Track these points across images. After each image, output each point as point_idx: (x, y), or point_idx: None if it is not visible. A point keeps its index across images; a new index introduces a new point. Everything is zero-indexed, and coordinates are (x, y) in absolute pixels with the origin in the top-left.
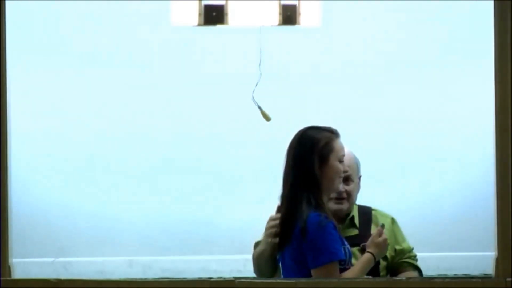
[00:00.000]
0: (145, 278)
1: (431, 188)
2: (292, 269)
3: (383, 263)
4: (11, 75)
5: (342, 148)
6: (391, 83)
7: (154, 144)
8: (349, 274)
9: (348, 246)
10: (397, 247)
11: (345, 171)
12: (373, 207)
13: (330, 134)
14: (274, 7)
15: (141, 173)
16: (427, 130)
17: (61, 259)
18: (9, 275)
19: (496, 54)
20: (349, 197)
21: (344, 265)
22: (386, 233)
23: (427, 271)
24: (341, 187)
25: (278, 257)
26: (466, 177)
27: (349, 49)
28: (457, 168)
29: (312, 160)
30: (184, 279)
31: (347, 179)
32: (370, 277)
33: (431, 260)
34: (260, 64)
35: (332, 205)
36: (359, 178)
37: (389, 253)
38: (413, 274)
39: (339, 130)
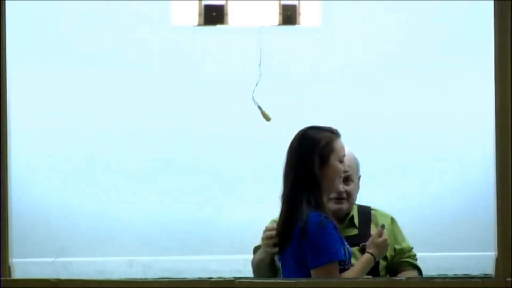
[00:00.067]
0: (145, 278)
1: (431, 188)
2: (292, 269)
3: (383, 263)
4: (11, 75)
5: (343, 148)
6: (391, 83)
7: (154, 144)
8: (349, 274)
9: (348, 246)
10: (397, 247)
11: (345, 171)
12: (372, 207)
13: (331, 134)
14: (274, 7)
15: (141, 173)
16: (427, 130)
17: (61, 259)
18: (9, 275)
19: (496, 54)
20: (349, 197)
21: (344, 265)
22: (385, 233)
23: (427, 271)
24: (341, 187)
25: (278, 257)
26: (466, 177)
27: (349, 49)
28: (457, 168)
29: (313, 160)
30: (184, 279)
31: (347, 179)
32: (370, 277)
33: (431, 260)
34: (260, 64)
35: (332, 205)
36: (359, 178)
37: (388, 253)
38: (413, 273)
39: (339, 130)
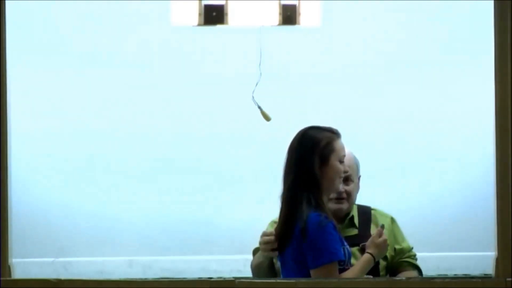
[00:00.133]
0: (145, 278)
1: (431, 188)
2: (292, 269)
3: (383, 263)
4: (11, 75)
5: (343, 149)
6: (391, 83)
7: (154, 144)
8: (348, 274)
9: (348, 246)
10: (397, 247)
11: (345, 172)
12: (372, 207)
13: (331, 134)
14: (274, 7)
15: (141, 173)
16: (427, 130)
17: (61, 259)
18: (9, 275)
19: (496, 54)
20: (349, 197)
21: (344, 265)
22: (385, 233)
23: (427, 271)
24: (341, 187)
25: (278, 258)
26: (466, 177)
27: (349, 49)
28: (457, 168)
29: (313, 160)
30: (184, 279)
31: (347, 179)
32: (370, 276)
33: (431, 260)
34: (260, 64)
35: (332, 205)
36: (359, 178)
37: (388, 253)
38: (413, 273)
39: (339, 130)
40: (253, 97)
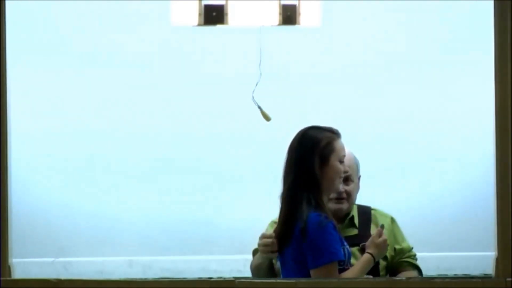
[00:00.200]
0: (145, 278)
1: (431, 188)
2: (292, 269)
3: (382, 263)
4: (11, 75)
5: (343, 149)
6: (391, 83)
7: (154, 144)
8: (348, 274)
9: (348, 246)
10: (397, 247)
11: (345, 172)
12: (372, 207)
13: (331, 134)
14: (274, 7)
15: (141, 173)
16: (427, 130)
17: (61, 259)
18: (9, 275)
19: (496, 54)
20: (349, 197)
21: (343, 265)
22: (385, 233)
23: (427, 271)
24: (341, 187)
25: (278, 258)
26: (466, 177)
27: (349, 49)
28: (457, 168)
29: (313, 160)
30: (184, 279)
31: (347, 179)
32: (370, 276)
33: (431, 260)
34: (260, 64)
35: (332, 205)
36: (359, 178)
37: (388, 253)
38: (413, 273)
39: (339, 130)
40: (253, 97)
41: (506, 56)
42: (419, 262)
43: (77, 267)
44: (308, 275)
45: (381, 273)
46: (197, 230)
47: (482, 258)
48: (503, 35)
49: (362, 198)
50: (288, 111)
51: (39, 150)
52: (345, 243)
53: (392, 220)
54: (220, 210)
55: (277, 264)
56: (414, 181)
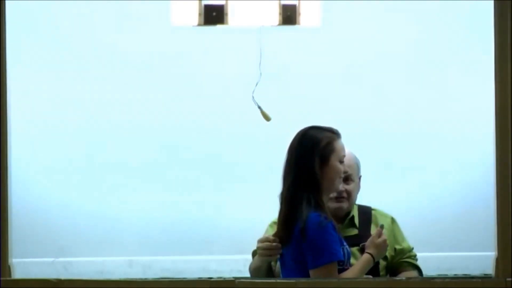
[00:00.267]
0: (145, 278)
1: (431, 188)
2: (292, 269)
3: (383, 263)
4: (11, 75)
5: (343, 149)
6: (391, 83)
7: (153, 144)
8: (348, 274)
9: (347, 246)
10: (397, 247)
11: (345, 172)
12: (373, 207)
13: (332, 134)
14: (274, 7)
15: (141, 173)
16: (427, 130)
17: (61, 259)
18: (9, 275)
19: (496, 54)
20: (349, 196)
21: (343, 265)
22: (385, 233)
23: (427, 271)
24: (341, 186)
25: (278, 258)
26: (466, 177)
27: (349, 49)
28: (457, 168)
29: (313, 160)
30: (184, 279)
31: (347, 179)
32: (370, 276)
33: (431, 260)
34: (260, 64)
35: (332, 204)
36: (359, 178)
37: (389, 253)
38: (413, 273)
39: (340, 130)
40: (253, 97)
41: (506, 56)
42: (419, 262)
43: (77, 267)
44: (308, 275)
45: (381, 273)
46: (197, 230)
47: (482, 258)
48: (503, 35)
49: (362, 198)
50: (288, 111)
51: (39, 150)
52: (345, 243)
53: (393, 220)
54: (220, 210)
55: (276, 267)
56: (414, 181)
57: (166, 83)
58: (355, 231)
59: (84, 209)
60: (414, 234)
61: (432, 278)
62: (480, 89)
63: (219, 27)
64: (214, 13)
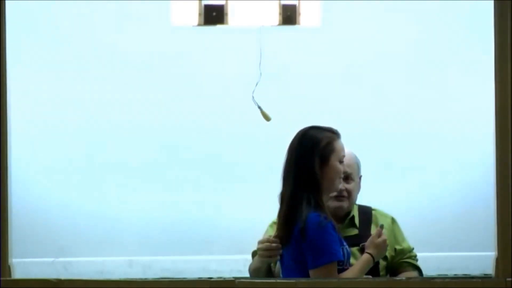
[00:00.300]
0: (145, 278)
1: (431, 188)
2: (291, 269)
3: (383, 263)
4: (11, 75)
5: (343, 149)
6: (391, 83)
7: (153, 144)
8: (347, 274)
9: (347, 246)
10: (397, 247)
11: (345, 172)
12: (373, 207)
13: (332, 134)
14: (274, 7)
15: (141, 173)
16: (427, 130)
17: (61, 259)
18: (9, 275)
19: (496, 54)
20: (350, 195)
21: (342, 265)
22: (386, 233)
23: (427, 271)
24: (342, 185)
25: (277, 261)
26: (466, 177)
27: (349, 49)
28: (457, 168)
29: (313, 160)
30: (184, 279)
31: (347, 178)
32: (370, 276)
33: (431, 260)
34: (260, 64)
35: (332, 203)
36: (360, 178)
37: (389, 253)
38: (413, 274)
39: (340, 130)
40: (253, 97)
41: (506, 56)
42: (419, 263)
43: (77, 267)
44: (308, 275)
45: (381, 273)
46: (197, 230)
47: (482, 258)
48: (503, 35)
49: (362, 198)
50: (288, 111)
51: (39, 150)
52: (344, 243)
53: (393, 220)
54: (220, 210)
55: (276, 268)
56: (414, 181)
57: (166, 83)
58: (355, 231)
59: (84, 209)
60: (414, 234)
61: (432, 278)
62: (480, 89)
63: (219, 27)
64: (214, 13)
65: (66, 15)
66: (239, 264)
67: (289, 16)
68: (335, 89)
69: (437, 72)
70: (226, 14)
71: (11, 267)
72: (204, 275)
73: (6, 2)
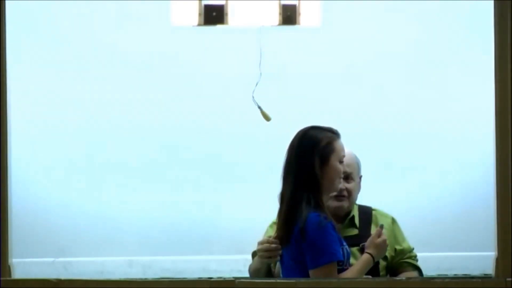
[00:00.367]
0: (145, 278)
1: (431, 188)
2: (291, 269)
3: (383, 263)
4: (11, 75)
5: (343, 149)
6: (391, 83)
7: (153, 144)
8: (347, 274)
9: (347, 246)
10: (397, 247)
11: (345, 171)
12: (373, 207)
13: (332, 134)
14: (274, 7)
15: (141, 173)
16: (427, 130)
17: (61, 259)
18: (9, 275)
19: (496, 54)
20: (350, 195)
21: (342, 265)
22: (386, 233)
23: (427, 271)
24: (342, 185)
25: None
26: (466, 177)
27: (349, 49)
28: (457, 168)
29: (313, 160)
30: (184, 279)
31: (347, 177)
32: (370, 276)
33: (431, 260)
34: (260, 64)
35: (332, 203)
36: (360, 178)
37: (389, 253)
38: (413, 274)
39: (340, 130)
40: (253, 97)
41: (506, 56)
42: (419, 262)
43: (77, 267)
44: (308, 275)
45: (381, 273)
46: (197, 230)
47: (482, 258)
48: (503, 35)
49: (362, 198)
50: (288, 111)
51: (39, 150)
52: (344, 243)
53: (393, 220)
54: (220, 210)
55: (276, 268)
56: (414, 181)
57: (166, 83)
58: (355, 231)
59: (84, 209)
60: (414, 234)
61: (432, 278)
62: (480, 89)
63: (219, 27)
64: (214, 13)
65: (66, 15)
66: (239, 264)
67: (289, 16)
68: (335, 89)
69: (437, 72)
70: (226, 14)
71: (11, 267)
72: (204, 275)
73: (6, 2)
